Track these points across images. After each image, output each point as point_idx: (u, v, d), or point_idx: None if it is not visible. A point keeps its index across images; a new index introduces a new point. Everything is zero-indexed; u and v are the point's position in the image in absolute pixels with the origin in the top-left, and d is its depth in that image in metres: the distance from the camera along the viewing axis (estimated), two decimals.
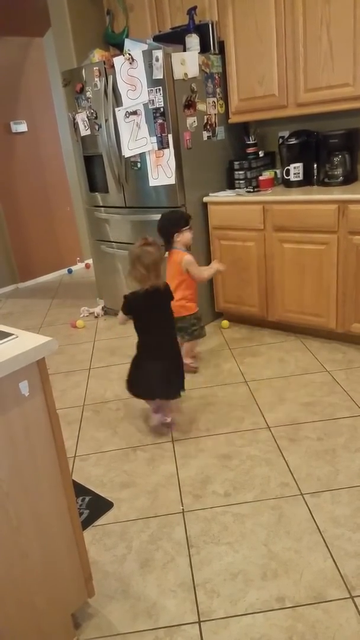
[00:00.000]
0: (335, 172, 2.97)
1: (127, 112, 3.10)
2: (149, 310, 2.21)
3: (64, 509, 1.33)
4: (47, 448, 1.25)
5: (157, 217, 3.21)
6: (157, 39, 3.20)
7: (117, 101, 3.13)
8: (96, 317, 3.98)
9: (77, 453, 2.27)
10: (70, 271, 5.55)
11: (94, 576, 1.51)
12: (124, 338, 3.43)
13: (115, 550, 1.72)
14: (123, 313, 2.23)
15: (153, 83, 2.91)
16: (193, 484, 1.98)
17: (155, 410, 2.39)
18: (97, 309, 4.00)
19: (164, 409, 2.38)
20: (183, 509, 1.86)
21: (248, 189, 3.22)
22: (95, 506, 1.92)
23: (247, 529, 1.73)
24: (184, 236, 2.67)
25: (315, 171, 3.05)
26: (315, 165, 3.05)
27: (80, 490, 1.99)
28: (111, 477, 2.08)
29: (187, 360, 2.76)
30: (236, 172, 3.29)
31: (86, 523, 1.83)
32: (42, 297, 4.76)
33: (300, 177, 3.08)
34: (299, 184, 3.10)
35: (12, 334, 1.19)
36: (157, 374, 2.23)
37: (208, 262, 3.39)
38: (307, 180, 3.09)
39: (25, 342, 1.15)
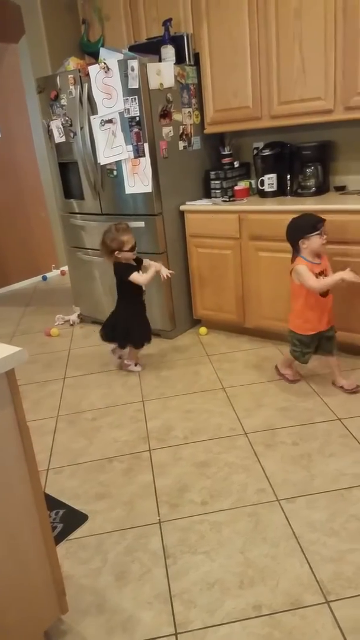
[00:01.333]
0: (308, 183, 3.03)
1: (102, 120, 3.10)
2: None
3: (35, 524, 1.30)
4: (17, 462, 1.22)
5: (135, 224, 3.23)
6: (132, 48, 3.22)
7: (93, 109, 3.13)
8: (72, 325, 3.93)
9: (50, 465, 2.23)
10: (45, 278, 5.49)
11: (68, 591, 1.47)
12: (100, 346, 3.40)
13: (90, 564, 1.69)
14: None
15: (129, 92, 2.92)
16: (170, 493, 1.97)
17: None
18: (73, 317, 3.96)
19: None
20: (160, 519, 1.84)
21: (224, 199, 3.25)
22: (70, 519, 1.89)
23: (224, 537, 1.73)
24: (311, 242, 2.38)
25: (288, 182, 3.11)
26: (288, 176, 3.10)
27: (54, 503, 1.95)
28: (86, 488, 2.05)
29: (284, 371, 2.76)
30: (212, 182, 3.33)
31: (60, 537, 1.79)
32: (16, 304, 4.68)
33: (274, 188, 3.14)
34: (273, 194, 3.15)
35: None
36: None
37: (186, 270, 3.41)
38: (281, 190, 3.15)
39: None
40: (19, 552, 1.26)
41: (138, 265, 2.84)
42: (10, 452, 1.20)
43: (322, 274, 2.41)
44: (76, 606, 1.52)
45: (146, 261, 2.90)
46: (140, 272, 2.81)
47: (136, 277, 2.77)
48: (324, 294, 2.42)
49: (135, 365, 3.06)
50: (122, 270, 2.81)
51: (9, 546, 1.23)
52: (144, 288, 2.88)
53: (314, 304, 2.43)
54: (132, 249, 2.76)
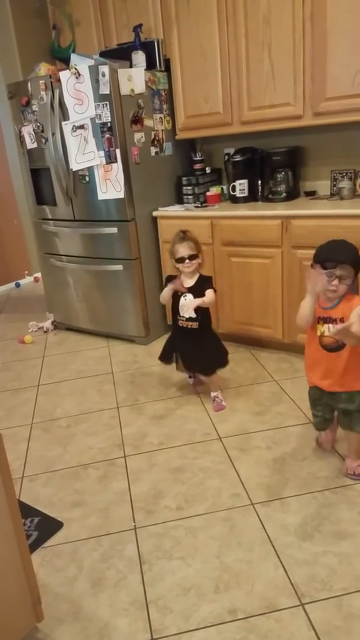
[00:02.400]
0: (279, 189, 3.08)
1: (74, 125, 3.09)
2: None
3: (9, 532, 1.28)
4: None
5: (108, 230, 3.23)
6: (103, 54, 3.22)
7: (64, 115, 3.12)
8: (45, 331, 3.89)
9: (25, 473, 2.20)
10: (18, 285, 5.42)
11: (44, 599, 1.46)
12: (74, 353, 3.38)
13: (65, 571, 1.67)
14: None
15: (100, 98, 2.92)
16: (145, 499, 1.97)
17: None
18: (47, 324, 3.92)
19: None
20: (135, 526, 1.84)
21: (196, 204, 3.28)
22: (45, 527, 1.87)
23: (200, 542, 1.73)
24: (319, 277, 1.75)
25: (259, 187, 3.15)
26: (259, 182, 3.15)
27: (28, 511, 1.93)
28: (61, 496, 2.03)
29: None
30: (184, 188, 3.35)
31: (35, 545, 1.77)
32: None
33: (246, 193, 3.18)
34: (244, 199, 3.19)
35: None
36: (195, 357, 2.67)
37: (159, 276, 3.42)
38: (252, 196, 3.19)
39: None
40: None
41: (191, 288, 2.47)
42: None
43: (328, 322, 1.79)
44: (52, 614, 1.51)
45: (207, 294, 2.46)
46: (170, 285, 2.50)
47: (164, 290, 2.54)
48: (332, 347, 1.80)
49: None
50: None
51: None
52: (181, 312, 2.51)
53: (314, 349, 1.88)
54: (180, 260, 2.44)
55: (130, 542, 1.76)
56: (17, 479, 2.14)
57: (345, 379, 1.82)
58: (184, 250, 2.42)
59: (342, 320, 1.73)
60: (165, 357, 2.71)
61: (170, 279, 2.51)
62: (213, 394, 2.61)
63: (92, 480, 2.11)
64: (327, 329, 1.79)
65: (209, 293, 2.43)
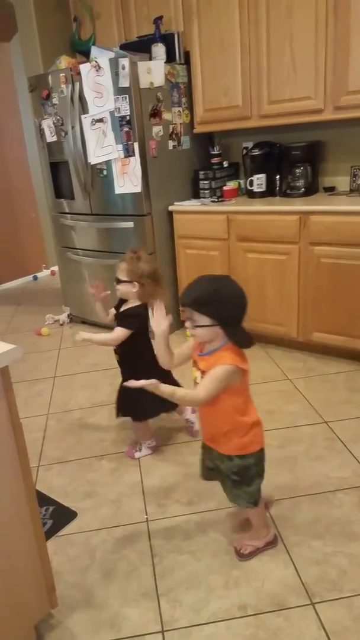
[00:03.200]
0: (297, 184, 3.04)
1: (93, 119, 3.09)
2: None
3: (26, 519, 1.31)
4: (10, 457, 1.23)
5: (124, 224, 3.23)
6: (123, 47, 3.21)
7: (84, 108, 3.12)
8: (61, 324, 3.93)
9: (40, 463, 2.23)
10: (35, 278, 5.47)
11: (57, 587, 1.48)
12: (88, 346, 3.40)
13: (78, 561, 1.70)
14: (129, 330, 2.00)
15: (119, 91, 2.92)
16: (157, 493, 1.98)
17: (152, 448, 2.24)
18: (63, 317, 3.95)
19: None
20: (147, 518, 1.85)
21: (212, 199, 3.26)
22: (59, 516, 1.90)
23: (210, 537, 1.74)
24: None
25: (277, 182, 3.12)
26: (277, 177, 3.12)
27: (43, 500, 1.96)
28: (75, 486, 2.06)
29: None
30: (201, 182, 3.33)
31: (50, 533, 1.80)
32: (6, 303, 4.66)
33: (263, 188, 3.15)
34: (261, 194, 3.16)
35: None
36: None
37: (174, 271, 3.41)
38: (270, 191, 3.16)
39: None
40: (10, 547, 1.27)
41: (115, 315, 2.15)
42: (3, 447, 1.21)
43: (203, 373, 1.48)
44: (65, 602, 1.54)
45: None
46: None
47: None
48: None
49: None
50: None
51: (0, 540, 1.24)
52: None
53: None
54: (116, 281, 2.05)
55: (142, 535, 1.78)
56: (32, 468, 2.14)
57: (216, 437, 1.55)
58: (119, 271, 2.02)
59: (203, 373, 1.45)
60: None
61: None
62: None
63: (105, 472, 2.13)
64: (198, 377, 1.49)
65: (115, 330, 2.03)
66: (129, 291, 2.01)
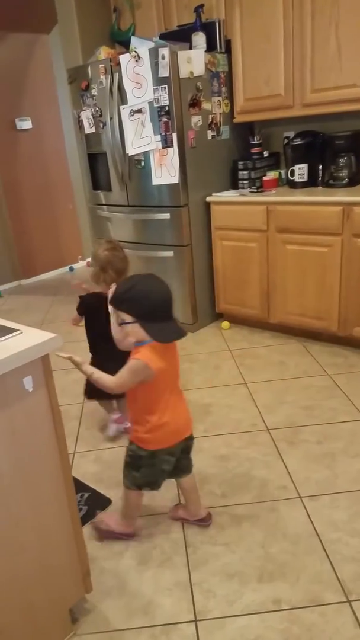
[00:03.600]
0: (341, 174, 2.96)
1: (132, 110, 3.09)
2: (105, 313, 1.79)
3: (63, 505, 1.33)
4: (49, 443, 1.25)
5: (160, 216, 3.23)
6: (163, 36, 3.19)
7: (122, 99, 3.12)
8: None
9: (76, 449, 2.27)
10: (71, 269, 5.55)
11: (92, 572, 1.51)
12: None
13: (112, 547, 1.71)
14: (78, 313, 2.25)
15: (159, 81, 2.90)
16: None
17: (117, 420, 2.32)
18: None
19: (123, 411, 2.31)
20: None
21: (252, 189, 3.21)
22: (94, 502, 1.92)
23: (244, 530, 1.73)
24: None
25: (320, 172, 3.04)
26: (320, 167, 3.04)
27: (79, 486, 1.99)
28: (109, 474, 2.08)
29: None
30: (240, 172, 3.29)
31: (85, 519, 1.82)
32: (44, 294, 4.75)
33: (305, 178, 3.08)
34: (303, 185, 3.09)
35: (17, 330, 1.19)
36: None
37: (210, 263, 3.39)
38: (312, 181, 3.08)
39: (30, 338, 1.15)
40: (47, 531, 1.30)
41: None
42: (43, 433, 1.23)
43: None
44: (99, 587, 1.56)
45: None
46: None
47: None
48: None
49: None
50: None
51: (38, 526, 1.26)
52: None
53: None
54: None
55: (176, 525, 1.78)
56: (69, 455, 2.20)
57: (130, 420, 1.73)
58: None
59: None
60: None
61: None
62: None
63: None
64: None
65: None
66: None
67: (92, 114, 3.35)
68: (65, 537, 1.36)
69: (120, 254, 2.12)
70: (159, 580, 1.57)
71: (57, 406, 1.25)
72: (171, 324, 1.52)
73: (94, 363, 1.83)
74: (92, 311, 2.15)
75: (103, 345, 1.97)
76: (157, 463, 1.59)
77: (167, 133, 2.99)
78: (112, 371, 1.63)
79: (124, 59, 3.00)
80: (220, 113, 3.22)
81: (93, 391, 2.20)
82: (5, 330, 1.20)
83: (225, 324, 3.47)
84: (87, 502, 1.92)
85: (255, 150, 3.32)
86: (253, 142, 3.33)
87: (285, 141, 3.21)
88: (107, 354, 1.84)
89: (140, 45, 2.95)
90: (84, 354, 3.21)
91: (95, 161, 3.52)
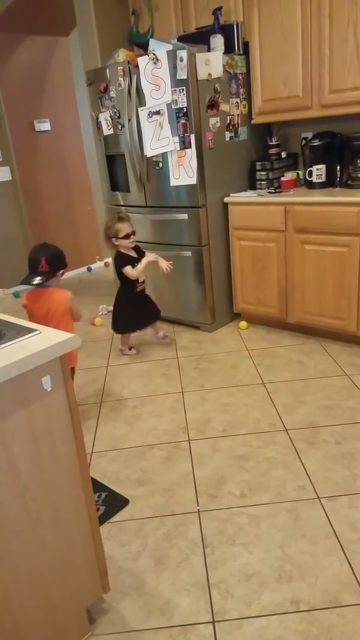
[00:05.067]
0: (359, 174, 2.93)
1: (150, 112, 3.11)
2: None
3: (81, 503, 1.34)
4: (67, 442, 1.27)
5: (178, 216, 3.25)
6: (181, 39, 3.20)
7: (141, 101, 3.15)
8: None
9: (94, 449, 2.29)
10: (89, 269, 5.60)
11: (109, 572, 1.52)
12: (140, 337, 3.44)
13: (130, 547, 1.73)
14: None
15: (177, 83, 2.92)
16: (209, 483, 1.98)
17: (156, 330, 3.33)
18: None
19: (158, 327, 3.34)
20: (199, 509, 1.86)
21: (270, 190, 3.21)
22: (112, 502, 1.94)
23: (263, 530, 1.72)
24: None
25: (338, 173, 3.03)
26: (338, 167, 3.02)
27: (97, 486, 2.01)
28: (127, 474, 2.10)
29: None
30: (258, 173, 3.28)
31: (102, 519, 1.84)
32: None
33: (323, 179, 3.06)
34: (321, 185, 3.07)
35: (36, 330, 1.21)
36: (153, 303, 3.28)
37: (227, 263, 3.40)
38: (330, 182, 3.06)
39: (48, 337, 1.17)
40: (65, 531, 1.31)
41: (139, 257, 3.03)
42: (61, 432, 1.24)
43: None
44: (116, 587, 1.57)
45: (148, 254, 3.06)
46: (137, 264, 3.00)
47: (128, 270, 2.97)
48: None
49: (130, 349, 3.27)
50: (117, 261, 3.03)
51: (56, 524, 1.28)
52: (140, 279, 3.07)
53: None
54: (126, 237, 2.94)
55: (194, 525, 1.79)
56: (87, 454, 2.22)
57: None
58: (128, 227, 2.94)
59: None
60: (131, 327, 3.25)
61: (131, 259, 3.01)
62: (162, 332, 3.33)
63: (157, 461, 2.16)
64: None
65: (148, 254, 3.07)
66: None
67: (111, 116, 3.38)
68: (82, 536, 1.37)
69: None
70: (176, 581, 1.58)
71: (75, 405, 1.26)
72: None
73: (129, 314, 3.20)
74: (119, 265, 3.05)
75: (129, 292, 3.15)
76: None
77: (185, 134, 3.00)
78: (145, 312, 3.24)
79: (143, 61, 3.03)
80: (238, 114, 3.23)
81: (125, 326, 3.23)
82: (24, 330, 1.21)
83: (243, 323, 3.46)
84: (104, 502, 1.94)
85: (273, 151, 3.31)
86: (271, 143, 3.32)
87: (303, 142, 3.19)
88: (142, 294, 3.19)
89: (159, 48, 2.97)
90: (102, 354, 3.26)
91: (113, 162, 3.55)
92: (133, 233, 2.97)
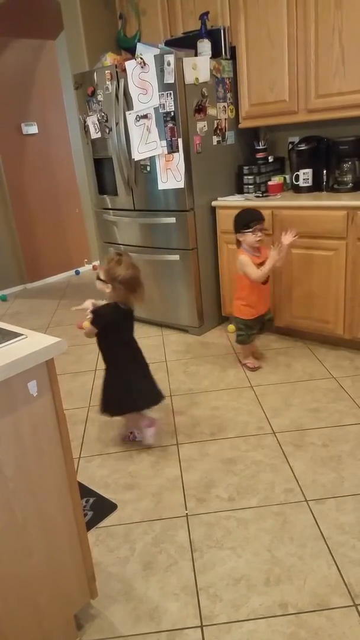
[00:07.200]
0: (345, 179, 2.97)
1: (137, 115, 3.11)
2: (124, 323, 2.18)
3: (69, 509, 1.33)
4: (54, 448, 1.26)
5: (166, 220, 3.25)
6: (169, 43, 3.22)
7: (128, 105, 3.15)
8: None
9: (82, 454, 2.27)
10: (77, 272, 5.58)
11: (97, 577, 1.50)
12: None
13: (118, 552, 1.72)
14: (93, 326, 2.10)
15: (164, 87, 2.92)
16: (197, 487, 1.98)
17: (148, 424, 2.26)
18: None
19: (149, 418, 2.28)
20: (187, 513, 1.85)
21: (257, 194, 3.22)
22: (100, 508, 1.92)
23: (251, 534, 1.73)
24: (246, 238, 2.66)
25: (324, 177, 3.05)
26: (324, 172, 3.05)
27: (84, 491, 1.99)
28: (115, 478, 2.08)
29: (245, 361, 2.95)
30: (245, 177, 3.30)
31: (90, 524, 1.83)
32: (50, 297, 4.78)
33: (310, 183, 3.09)
34: (308, 189, 3.10)
35: (22, 334, 1.20)
36: (149, 381, 2.24)
37: (215, 266, 3.41)
38: (316, 186, 3.09)
39: (34, 342, 1.16)
40: (52, 536, 1.30)
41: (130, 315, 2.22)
42: (48, 437, 1.23)
43: (262, 265, 2.66)
44: (105, 592, 1.56)
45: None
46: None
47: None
48: (264, 281, 2.74)
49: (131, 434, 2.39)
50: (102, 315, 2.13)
51: (44, 530, 1.27)
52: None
53: (257, 290, 2.74)
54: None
55: (182, 529, 1.78)
56: (74, 459, 2.20)
57: (269, 298, 2.93)
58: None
59: (265, 261, 2.66)
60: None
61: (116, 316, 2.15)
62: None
63: (145, 465, 2.15)
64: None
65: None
66: (104, 290, 2.11)
67: (98, 119, 3.38)
68: (70, 542, 1.36)
69: (137, 270, 2.10)
70: (165, 585, 1.57)
71: (62, 410, 1.25)
72: None
73: (113, 369, 2.21)
74: (114, 324, 2.13)
75: (126, 350, 2.20)
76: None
77: (173, 138, 3.01)
78: (135, 372, 2.19)
79: (130, 65, 3.03)
80: (225, 118, 3.24)
81: (116, 408, 2.24)
82: (9, 335, 1.20)
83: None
84: (92, 507, 1.93)
85: (260, 155, 3.33)
86: (258, 147, 3.34)
87: (290, 146, 3.22)
88: (130, 356, 2.20)
89: (146, 52, 2.97)
90: (90, 358, 3.24)
91: (101, 166, 3.54)
92: (97, 276, 2.18)
